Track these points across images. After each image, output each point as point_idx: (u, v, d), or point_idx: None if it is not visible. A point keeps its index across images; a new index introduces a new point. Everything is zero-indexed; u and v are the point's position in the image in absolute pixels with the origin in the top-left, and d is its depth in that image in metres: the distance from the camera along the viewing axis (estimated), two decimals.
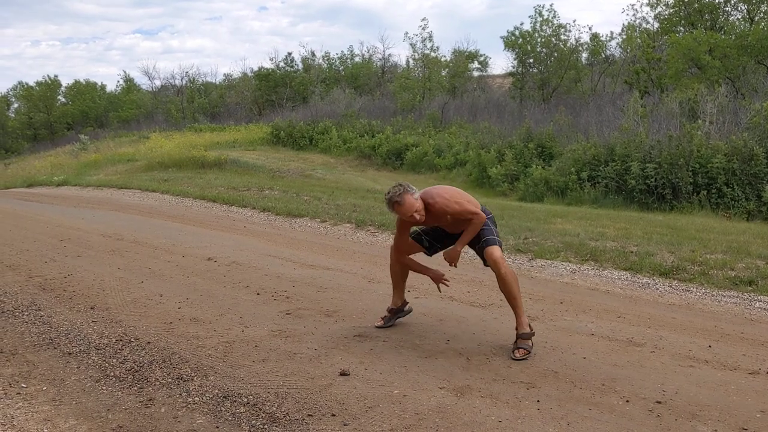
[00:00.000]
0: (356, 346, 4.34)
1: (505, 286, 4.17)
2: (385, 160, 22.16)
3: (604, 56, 32.70)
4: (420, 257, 4.66)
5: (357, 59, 40.94)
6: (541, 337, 4.37)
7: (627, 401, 3.44)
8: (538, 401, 3.47)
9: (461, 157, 20.16)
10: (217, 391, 3.61)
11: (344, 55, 41.39)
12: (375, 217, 9.78)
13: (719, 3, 26.78)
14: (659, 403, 3.43)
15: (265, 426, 3.21)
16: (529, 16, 42.16)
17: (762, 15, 25.46)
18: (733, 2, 26.61)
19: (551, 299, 5.59)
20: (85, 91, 47.64)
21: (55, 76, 49.22)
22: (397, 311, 4.74)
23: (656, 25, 28.63)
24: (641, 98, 19.14)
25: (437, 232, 4.48)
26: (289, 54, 40.02)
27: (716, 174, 13.51)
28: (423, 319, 4.93)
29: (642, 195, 14.16)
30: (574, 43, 31.57)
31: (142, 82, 56.69)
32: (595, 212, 11.53)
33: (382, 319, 4.72)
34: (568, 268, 6.88)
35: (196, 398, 3.53)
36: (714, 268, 6.41)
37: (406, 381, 3.75)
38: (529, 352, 4.09)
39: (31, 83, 48.41)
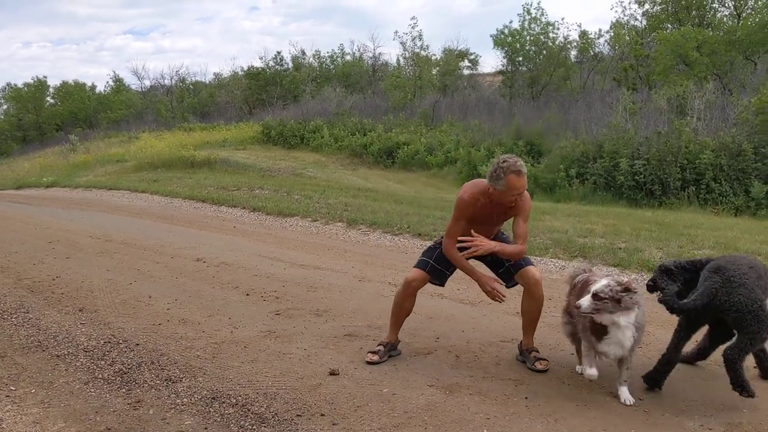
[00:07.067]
0: (346, 346, 4.35)
1: (537, 307, 3.99)
2: (376, 158, 22.15)
3: (592, 53, 32.76)
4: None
5: (348, 58, 40.85)
6: None
7: (615, 397, 3.47)
8: (526, 398, 3.49)
9: (452, 155, 20.20)
10: (205, 392, 3.61)
11: (335, 53, 41.27)
12: (366, 216, 9.78)
13: None
14: (647, 398, 3.46)
15: (254, 427, 3.21)
16: (518, 14, 42.10)
17: (749, 11, 25.61)
18: None
19: None
20: (74, 91, 47.20)
21: (44, 77, 48.67)
22: (393, 347, 4.18)
23: (644, 22, 28.74)
24: (630, 95, 19.21)
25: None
26: (279, 53, 39.66)
27: (704, 170, 13.60)
28: (413, 317, 4.89)
29: (631, 191, 14.24)
30: (562, 40, 31.66)
31: (132, 82, 56.38)
32: (583, 209, 11.58)
33: (376, 353, 4.07)
34: (557, 264, 6.92)
35: (185, 400, 3.52)
36: None
37: (395, 379, 3.76)
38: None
39: (20, 85, 48.06)
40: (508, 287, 4.05)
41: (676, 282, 3.67)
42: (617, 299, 3.28)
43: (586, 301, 3.34)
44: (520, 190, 3.74)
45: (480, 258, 4.05)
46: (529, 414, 3.30)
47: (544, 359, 3.94)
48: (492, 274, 4.04)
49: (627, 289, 3.29)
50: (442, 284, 4.14)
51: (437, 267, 4.05)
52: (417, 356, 4.15)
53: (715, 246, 7.29)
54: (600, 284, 3.36)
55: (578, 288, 3.68)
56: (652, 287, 3.79)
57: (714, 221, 10.28)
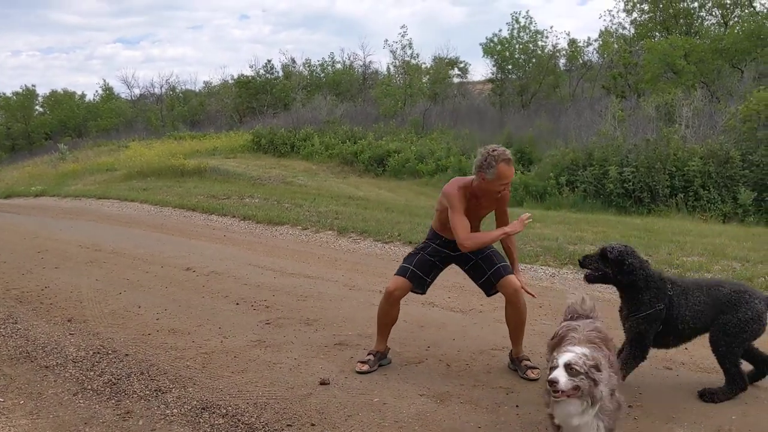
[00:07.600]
0: (336, 355, 4.34)
1: (520, 316, 3.99)
2: (367, 166, 22.14)
3: (581, 62, 33.02)
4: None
5: (338, 66, 40.90)
6: None
7: None
8: (517, 406, 3.49)
9: (443, 163, 20.22)
10: (195, 402, 3.59)
11: (325, 61, 41.30)
12: (357, 224, 9.78)
13: (694, 8, 27.23)
14: (636, 406, 3.47)
15: None
16: (507, 23, 42.33)
17: (736, 19, 25.91)
18: (707, 7, 27.08)
19: (530, 303, 5.56)
20: (63, 100, 46.97)
21: (33, 85, 48.41)
22: (382, 356, 4.16)
23: (632, 30, 29.02)
24: (619, 103, 19.35)
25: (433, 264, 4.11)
26: (269, 61, 39.58)
27: (693, 177, 13.69)
28: (403, 325, 4.92)
29: (620, 199, 14.31)
30: (551, 48, 31.90)
31: (122, 90, 56.14)
32: (573, 216, 11.63)
33: (366, 362, 4.07)
34: (547, 272, 6.94)
35: (175, 410, 3.50)
36: (691, 271, 6.50)
37: (386, 389, 3.75)
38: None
39: (9, 94, 47.77)
40: (489, 295, 4.11)
41: (607, 268, 3.69)
42: (594, 378, 2.56)
43: (562, 377, 2.55)
44: (508, 179, 3.85)
45: (463, 267, 4.13)
46: (519, 422, 3.31)
47: (536, 368, 3.95)
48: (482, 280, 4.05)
49: (596, 367, 2.60)
50: (423, 292, 4.13)
51: (418, 273, 4.05)
52: (408, 365, 4.15)
53: (703, 253, 7.33)
54: (573, 354, 2.62)
55: (557, 337, 3.10)
56: (583, 264, 3.86)
57: (702, 228, 10.34)
